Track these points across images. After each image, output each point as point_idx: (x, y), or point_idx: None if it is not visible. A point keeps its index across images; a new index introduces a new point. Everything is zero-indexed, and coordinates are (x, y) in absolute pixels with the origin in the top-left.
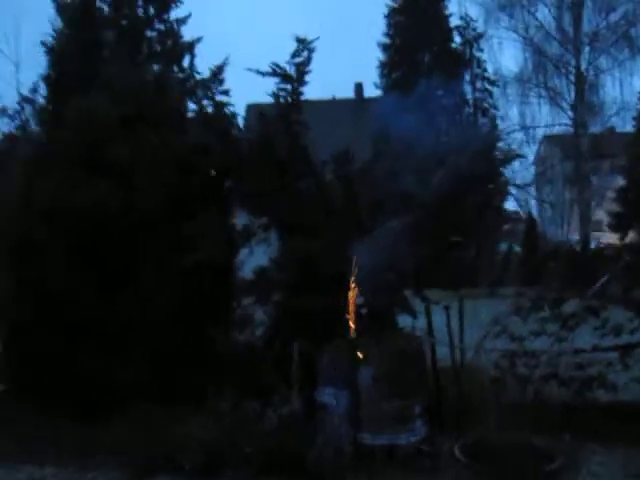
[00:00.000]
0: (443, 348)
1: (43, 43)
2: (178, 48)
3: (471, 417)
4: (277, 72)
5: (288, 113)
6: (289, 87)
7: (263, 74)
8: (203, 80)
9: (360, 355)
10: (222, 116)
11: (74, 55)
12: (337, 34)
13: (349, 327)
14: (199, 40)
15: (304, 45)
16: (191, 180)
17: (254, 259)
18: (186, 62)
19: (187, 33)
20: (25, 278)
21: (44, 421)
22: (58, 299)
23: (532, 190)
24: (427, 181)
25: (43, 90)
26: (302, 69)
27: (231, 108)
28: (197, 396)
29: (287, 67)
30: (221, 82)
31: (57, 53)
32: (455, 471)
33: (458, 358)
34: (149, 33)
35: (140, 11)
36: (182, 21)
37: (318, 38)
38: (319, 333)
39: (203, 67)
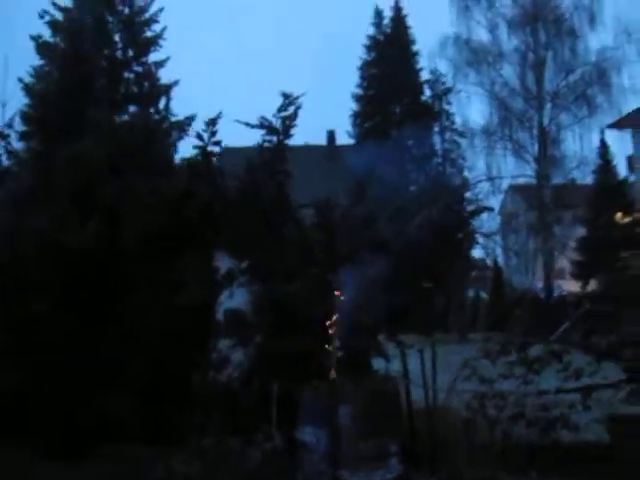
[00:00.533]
0: (417, 390)
1: (20, 80)
2: (155, 90)
3: (444, 455)
4: (264, 125)
5: (273, 162)
6: (274, 138)
7: (251, 126)
8: (178, 122)
9: (338, 396)
10: (210, 164)
11: (62, 97)
12: (311, 83)
13: (326, 368)
14: (176, 83)
15: (290, 100)
16: (176, 223)
17: (231, 302)
18: (162, 104)
19: (165, 76)
20: (9, 314)
21: (17, 460)
22: (40, 338)
23: (498, 239)
24: (401, 229)
25: (18, 126)
26: (288, 123)
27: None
28: (179, 434)
29: (273, 120)
30: (214, 133)
31: (42, 94)
32: None
33: (431, 399)
34: (127, 74)
35: (119, 53)
36: (160, 64)
37: (304, 94)
38: (297, 374)
39: (180, 110)
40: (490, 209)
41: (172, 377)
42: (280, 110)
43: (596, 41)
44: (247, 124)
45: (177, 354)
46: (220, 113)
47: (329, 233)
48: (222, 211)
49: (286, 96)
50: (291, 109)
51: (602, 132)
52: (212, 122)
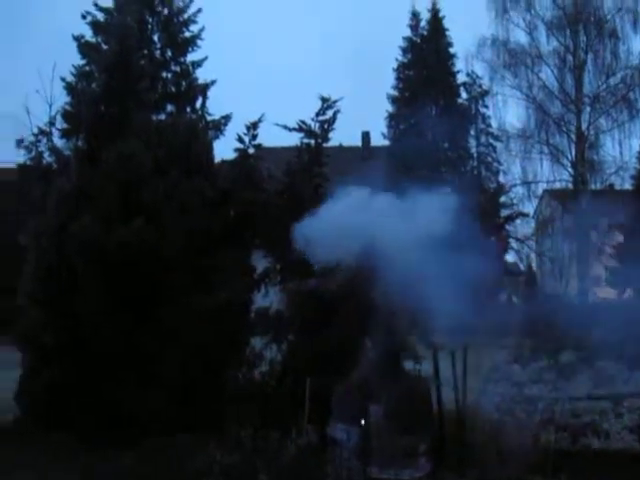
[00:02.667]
0: (449, 392)
1: (63, 79)
2: (192, 90)
3: (472, 456)
4: (303, 128)
5: (311, 165)
6: (312, 142)
7: (290, 129)
8: (214, 122)
9: (370, 394)
10: (250, 167)
11: (107, 98)
12: (347, 84)
13: (360, 367)
14: (213, 83)
15: (328, 104)
16: (216, 223)
17: (264, 301)
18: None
19: (202, 75)
20: (56, 309)
21: (66, 450)
22: (87, 331)
23: (532, 244)
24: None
25: (60, 123)
26: (326, 126)
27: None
28: (217, 426)
29: (312, 124)
30: (255, 137)
31: (86, 94)
32: None
33: (461, 401)
34: (165, 74)
35: (158, 53)
36: (198, 64)
37: (341, 98)
38: (330, 371)
39: (215, 109)
40: (525, 214)
41: (209, 372)
42: (318, 114)
43: (639, 43)
44: (286, 127)
45: (214, 350)
46: (262, 116)
47: (364, 232)
48: (261, 212)
49: (324, 100)
50: (329, 113)
51: None
52: (253, 125)
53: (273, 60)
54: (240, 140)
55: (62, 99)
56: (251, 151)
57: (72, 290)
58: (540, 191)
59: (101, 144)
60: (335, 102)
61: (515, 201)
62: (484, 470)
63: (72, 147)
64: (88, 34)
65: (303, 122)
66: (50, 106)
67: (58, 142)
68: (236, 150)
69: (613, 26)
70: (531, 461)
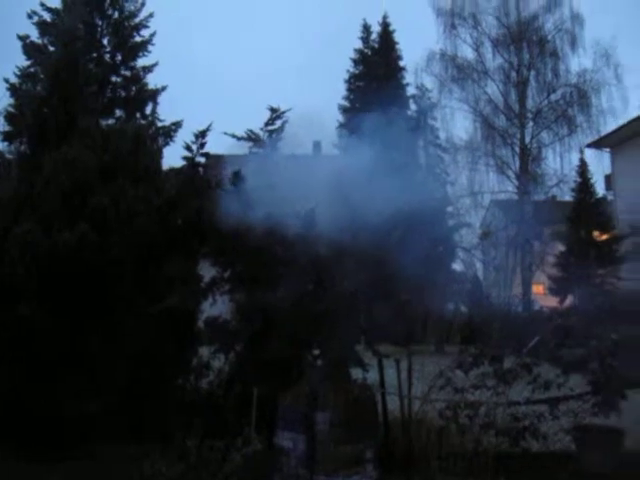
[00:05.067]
0: (394, 398)
1: (6, 80)
2: (142, 95)
3: (417, 462)
4: (251, 137)
5: (258, 174)
6: (261, 151)
7: (238, 138)
8: (164, 128)
9: (316, 402)
10: (197, 175)
11: (52, 102)
12: (298, 95)
13: (306, 376)
14: (164, 89)
15: (277, 114)
16: (163, 230)
17: (213, 310)
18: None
19: (153, 81)
20: None
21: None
22: (25, 340)
23: (478, 253)
24: (383, 240)
25: (1, 126)
26: (275, 136)
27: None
28: (163, 435)
29: (260, 133)
30: (202, 145)
31: (30, 97)
32: None
33: (406, 408)
34: (114, 78)
35: (107, 57)
36: (148, 69)
37: (290, 109)
38: (277, 380)
39: (166, 115)
40: (469, 225)
41: (154, 380)
42: (267, 124)
43: (577, 63)
44: (234, 136)
45: (159, 358)
46: (210, 125)
47: (312, 244)
48: (208, 221)
49: (273, 110)
50: (278, 123)
51: (581, 151)
52: (201, 134)
53: (227, 69)
54: (188, 148)
55: (4, 101)
56: (199, 159)
57: (14, 295)
58: (486, 202)
59: (45, 148)
60: (284, 112)
61: (462, 211)
62: (428, 475)
63: (14, 151)
64: (34, 34)
65: (251, 131)
66: None
67: (0, 145)
68: (184, 158)
69: (553, 46)
70: (473, 465)
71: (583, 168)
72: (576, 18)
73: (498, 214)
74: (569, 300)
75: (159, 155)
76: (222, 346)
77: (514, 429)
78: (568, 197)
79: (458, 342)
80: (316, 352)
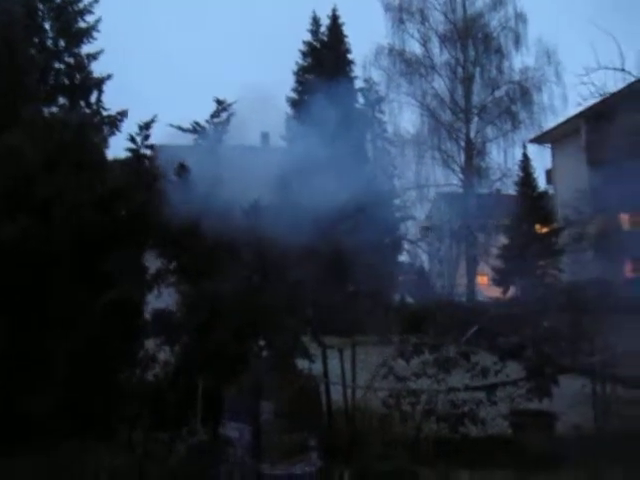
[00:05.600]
0: (339, 388)
1: None
2: (87, 83)
3: (360, 449)
4: (196, 130)
5: (203, 166)
6: (206, 143)
7: (184, 130)
8: (110, 117)
9: (261, 393)
10: (142, 167)
11: None
12: (246, 84)
13: (251, 367)
14: (109, 77)
15: (223, 106)
16: (107, 222)
17: (159, 302)
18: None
19: (98, 69)
20: None
21: None
22: None
23: (423, 245)
24: (329, 233)
25: None
26: (220, 129)
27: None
28: (109, 428)
29: (206, 125)
30: (147, 137)
31: None
32: None
33: (350, 397)
34: (58, 65)
35: (50, 42)
36: (93, 56)
37: (236, 102)
38: (223, 372)
39: (111, 104)
40: (413, 217)
41: (99, 373)
42: (213, 116)
43: (520, 61)
44: (180, 128)
45: (103, 351)
46: (154, 117)
47: (257, 236)
48: (153, 213)
49: (219, 102)
50: (224, 115)
51: (524, 146)
52: (146, 126)
53: (175, 57)
54: (132, 140)
55: None
56: (144, 151)
57: None
58: (432, 195)
59: None
60: (230, 105)
61: (408, 204)
62: (369, 462)
63: None
64: None
65: (197, 123)
66: None
67: None
68: (128, 150)
69: (498, 43)
70: (415, 451)
71: (526, 163)
72: (520, 17)
73: (443, 207)
74: (511, 291)
75: (103, 145)
76: (167, 338)
77: (454, 415)
78: (512, 191)
79: (401, 331)
80: (261, 343)
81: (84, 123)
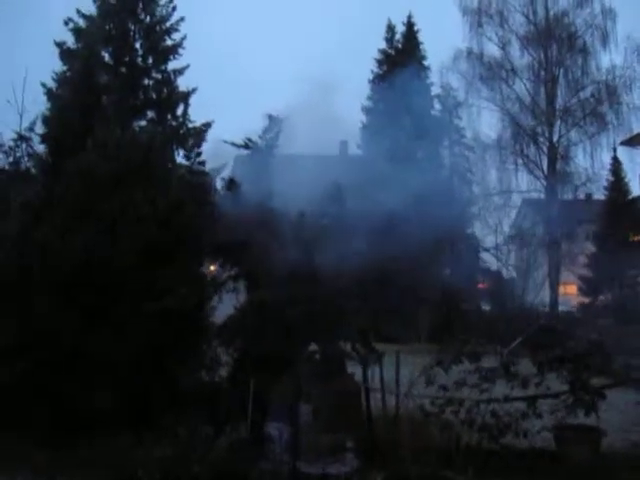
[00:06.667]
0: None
1: (44, 85)
2: (173, 97)
3: (396, 454)
4: (248, 145)
5: (256, 181)
6: (258, 157)
7: (237, 146)
8: (195, 129)
9: (302, 394)
10: (200, 183)
11: (73, 115)
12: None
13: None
14: (194, 91)
15: (275, 122)
16: (168, 233)
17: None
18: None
19: (183, 83)
20: (14, 316)
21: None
22: (40, 338)
23: (503, 253)
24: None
25: (39, 129)
26: (271, 144)
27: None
28: (161, 424)
29: (259, 141)
30: (199, 154)
31: (57, 112)
32: None
33: (393, 403)
34: (146, 81)
35: (139, 60)
36: (179, 72)
37: (287, 118)
38: (273, 374)
39: (196, 116)
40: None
41: (158, 374)
42: (265, 132)
43: (607, 59)
44: (233, 144)
45: (162, 354)
46: (204, 133)
47: (307, 248)
48: (208, 224)
49: (271, 118)
50: (274, 131)
51: (614, 149)
52: (196, 144)
53: (248, 71)
54: (187, 157)
55: (35, 108)
56: (196, 168)
57: (29, 294)
58: (517, 201)
59: (64, 156)
60: (282, 120)
61: (490, 210)
62: (405, 466)
63: (36, 158)
64: (70, 40)
65: (249, 139)
66: (21, 116)
67: (38, 147)
68: (182, 166)
69: (583, 42)
70: (452, 459)
71: (616, 166)
72: (608, 13)
73: (528, 213)
74: (600, 300)
75: (168, 161)
76: (223, 341)
77: (495, 426)
78: (600, 196)
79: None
80: (313, 348)
81: (151, 143)
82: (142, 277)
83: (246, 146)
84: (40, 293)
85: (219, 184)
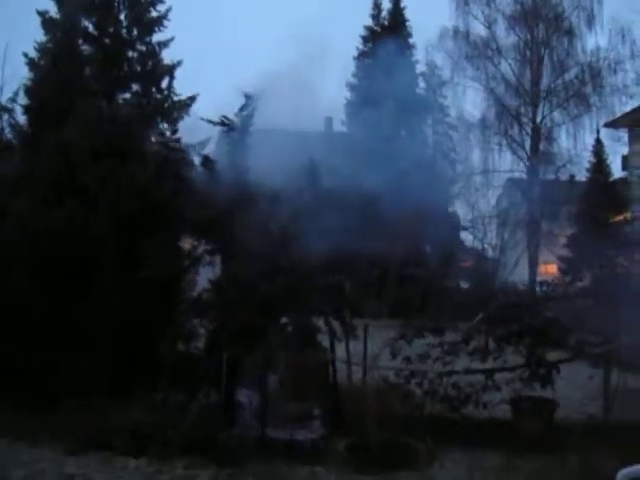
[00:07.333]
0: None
1: (26, 55)
2: (158, 70)
3: (361, 422)
4: (225, 123)
5: (233, 158)
6: (235, 135)
7: (214, 123)
8: (180, 102)
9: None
10: (173, 158)
11: (54, 87)
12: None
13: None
14: (179, 63)
15: (250, 100)
16: (146, 207)
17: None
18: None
19: (168, 56)
20: None
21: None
22: (19, 307)
23: (480, 232)
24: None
25: (22, 99)
26: (247, 121)
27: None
28: (137, 391)
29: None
30: (175, 132)
31: (38, 84)
32: (334, 461)
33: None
34: (131, 53)
35: (124, 32)
36: (164, 44)
37: (270, 89)
38: (246, 346)
39: (182, 89)
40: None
41: (138, 344)
42: (242, 109)
43: (592, 41)
44: (210, 121)
45: (143, 324)
46: (182, 113)
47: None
48: (185, 200)
49: (247, 96)
50: (249, 109)
51: (598, 131)
52: (173, 122)
53: (233, 39)
54: (161, 134)
55: (17, 79)
56: (172, 145)
57: (8, 265)
58: (500, 180)
59: (43, 128)
60: (257, 99)
61: (472, 189)
62: (367, 433)
63: (17, 129)
64: (53, 10)
65: (225, 117)
66: (1, 89)
67: (20, 119)
68: (158, 143)
69: (569, 23)
70: (413, 427)
71: (598, 148)
72: None
73: (509, 193)
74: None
75: (146, 137)
76: (198, 314)
77: (456, 397)
78: (581, 177)
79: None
80: (284, 321)
81: (130, 118)
82: (121, 249)
83: (222, 123)
84: (19, 266)
85: (197, 160)
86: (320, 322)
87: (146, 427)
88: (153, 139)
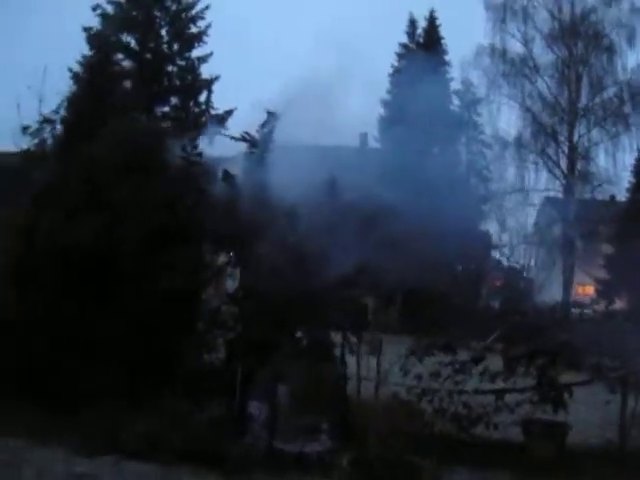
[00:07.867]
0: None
1: (70, 69)
2: (196, 84)
3: (366, 437)
4: (246, 139)
5: (253, 172)
6: (256, 151)
7: (235, 139)
8: (217, 115)
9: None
10: (196, 173)
11: (88, 100)
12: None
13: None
14: (217, 78)
15: (273, 117)
16: (170, 220)
17: None
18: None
19: (207, 71)
20: (24, 300)
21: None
22: (48, 320)
23: (513, 252)
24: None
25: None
26: (268, 138)
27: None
28: (153, 398)
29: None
30: (195, 147)
31: (75, 98)
32: (339, 475)
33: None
34: (170, 68)
35: (164, 47)
36: (203, 59)
37: (284, 112)
38: (257, 358)
39: (219, 103)
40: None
41: (159, 354)
42: (263, 126)
43: (634, 59)
44: (232, 137)
45: (165, 335)
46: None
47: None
48: (207, 213)
49: (269, 113)
50: (270, 126)
51: (638, 150)
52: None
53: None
54: (183, 149)
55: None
56: (195, 159)
57: (38, 279)
58: (536, 199)
59: (75, 141)
60: (279, 116)
61: (507, 208)
62: (372, 449)
63: (57, 140)
64: (98, 26)
65: (247, 133)
66: (40, 102)
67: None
68: (180, 157)
69: (609, 41)
70: (421, 445)
71: (638, 168)
72: (636, 12)
73: (546, 212)
74: (618, 303)
75: (171, 151)
76: (217, 326)
77: (466, 417)
78: (622, 197)
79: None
80: (299, 335)
81: (157, 133)
82: (146, 262)
83: (244, 139)
84: (48, 280)
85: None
86: (337, 337)
87: (157, 433)
88: (178, 153)
